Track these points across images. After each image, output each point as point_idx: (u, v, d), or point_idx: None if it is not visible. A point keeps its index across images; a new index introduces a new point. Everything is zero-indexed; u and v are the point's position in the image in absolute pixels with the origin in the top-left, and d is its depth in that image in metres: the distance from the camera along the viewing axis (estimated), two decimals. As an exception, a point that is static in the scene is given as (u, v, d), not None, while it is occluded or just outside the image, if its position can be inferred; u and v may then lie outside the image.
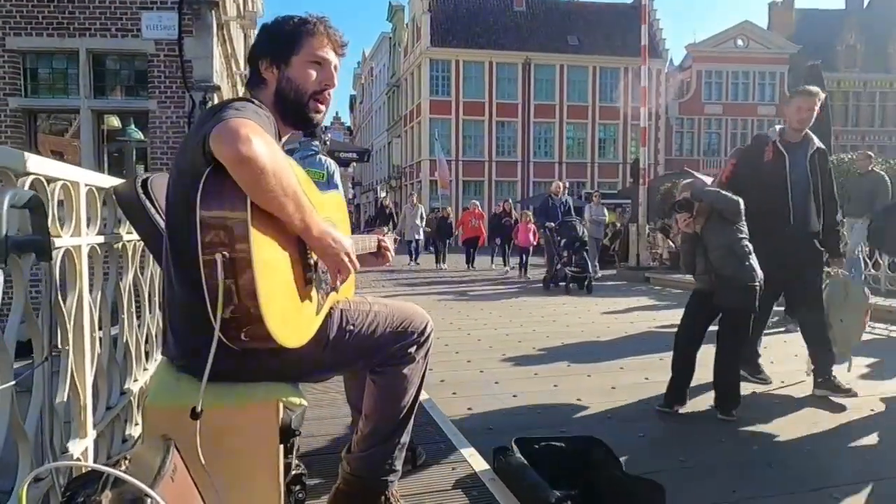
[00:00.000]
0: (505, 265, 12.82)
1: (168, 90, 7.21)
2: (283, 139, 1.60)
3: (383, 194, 23.40)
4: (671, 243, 12.91)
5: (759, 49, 35.00)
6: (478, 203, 15.94)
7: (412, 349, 1.60)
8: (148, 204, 2.03)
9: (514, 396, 3.60)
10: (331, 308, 1.51)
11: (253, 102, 1.35)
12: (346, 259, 1.35)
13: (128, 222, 2.19)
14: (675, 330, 3.38)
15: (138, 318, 2.46)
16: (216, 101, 7.39)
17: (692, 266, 3.30)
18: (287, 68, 1.47)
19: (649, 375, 4.02)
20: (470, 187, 32.92)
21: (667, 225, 12.93)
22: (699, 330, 3.29)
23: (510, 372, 4.21)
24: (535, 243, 11.47)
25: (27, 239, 1.14)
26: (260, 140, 1.15)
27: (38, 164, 1.49)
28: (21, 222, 1.19)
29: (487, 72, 32.39)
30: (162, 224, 2.04)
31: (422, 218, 15.04)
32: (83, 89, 7.30)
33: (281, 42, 1.47)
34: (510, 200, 15.41)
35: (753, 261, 3.14)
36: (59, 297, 1.58)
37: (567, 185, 12.35)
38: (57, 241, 1.61)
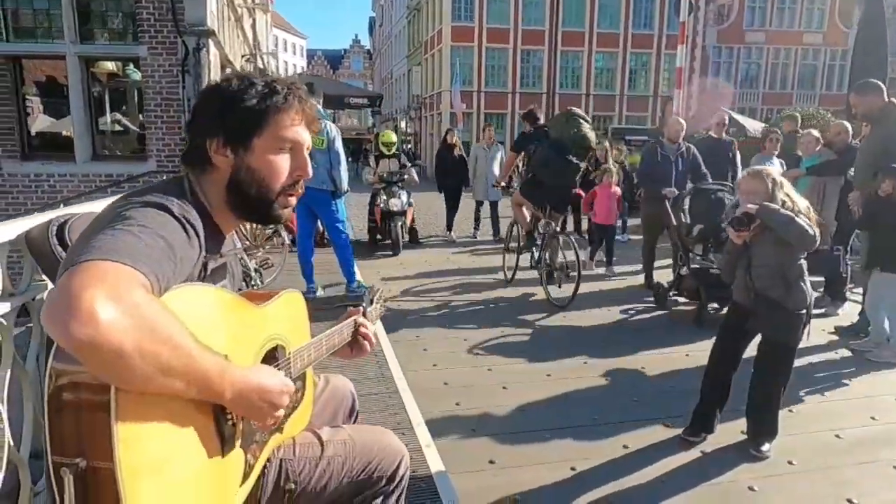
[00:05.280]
0: (591, 259, 7.12)
1: (159, 34, 6.57)
2: (227, 237, 1.16)
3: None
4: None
5: (810, -33, 32.21)
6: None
7: (377, 501, 1.23)
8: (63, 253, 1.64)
9: (521, 411, 3.28)
10: (266, 461, 1.13)
11: (176, 207, 0.96)
12: (272, 415, 0.98)
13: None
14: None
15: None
16: (211, 48, 6.78)
17: (732, 276, 2.83)
18: (247, 154, 1.07)
19: (674, 384, 3.69)
20: (492, 121, 31.72)
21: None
22: (736, 352, 2.86)
23: (519, 373, 3.86)
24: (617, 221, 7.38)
25: None
26: (112, 309, 0.73)
27: None
28: None
29: (513, -5, 30.44)
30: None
31: (501, 164, 9.07)
32: (68, 33, 6.66)
33: (239, 118, 1.05)
34: (618, 146, 9.10)
35: (806, 282, 2.66)
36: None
37: (726, 122, 6.61)
38: None
